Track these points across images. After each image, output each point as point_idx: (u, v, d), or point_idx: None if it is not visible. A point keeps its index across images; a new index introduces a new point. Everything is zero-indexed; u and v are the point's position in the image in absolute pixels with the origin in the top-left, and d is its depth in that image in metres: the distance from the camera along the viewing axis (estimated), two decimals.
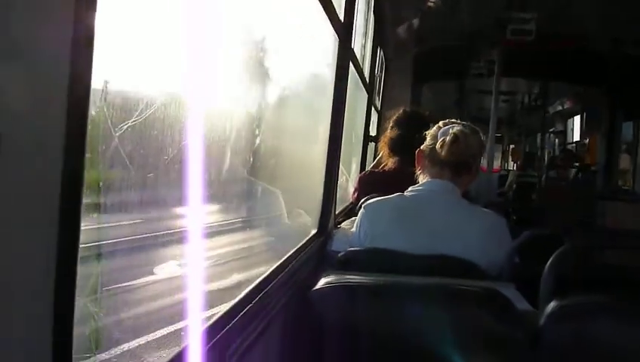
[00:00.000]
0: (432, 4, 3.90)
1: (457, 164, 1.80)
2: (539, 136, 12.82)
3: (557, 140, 11.68)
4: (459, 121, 1.91)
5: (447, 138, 1.77)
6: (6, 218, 0.42)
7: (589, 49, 4.63)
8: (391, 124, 2.91)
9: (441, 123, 1.88)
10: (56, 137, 0.47)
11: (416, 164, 1.90)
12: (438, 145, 1.79)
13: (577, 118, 8.77)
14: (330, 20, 1.85)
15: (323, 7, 1.73)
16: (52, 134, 0.47)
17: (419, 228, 1.76)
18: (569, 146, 9.32)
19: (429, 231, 1.75)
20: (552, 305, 1.28)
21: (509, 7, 3.47)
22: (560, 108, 9.24)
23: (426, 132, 1.90)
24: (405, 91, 5.25)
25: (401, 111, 2.97)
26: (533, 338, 1.28)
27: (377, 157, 3.16)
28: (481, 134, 1.90)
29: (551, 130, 11.14)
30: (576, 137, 9.14)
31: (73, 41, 0.47)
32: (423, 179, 1.86)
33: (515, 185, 7.43)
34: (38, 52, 0.44)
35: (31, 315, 0.47)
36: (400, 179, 2.67)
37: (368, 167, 3.48)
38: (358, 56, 3.03)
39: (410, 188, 1.87)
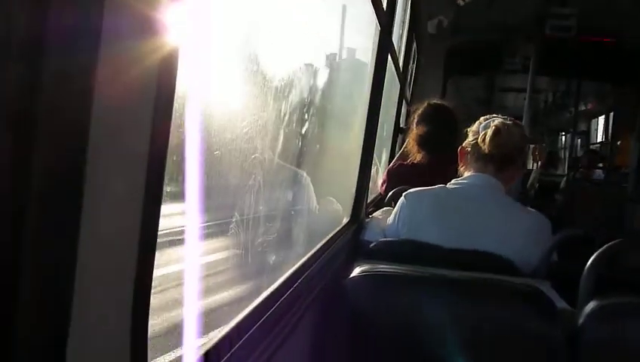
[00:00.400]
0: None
1: (501, 158, 1.78)
2: (561, 135, 12.69)
3: (579, 140, 11.57)
4: (499, 116, 1.88)
5: (489, 131, 1.75)
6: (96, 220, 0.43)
7: (628, 47, 4.53)
8: (417, 118, 2.90)
9: (482, 118, 1.86)
10: (144, 144, 0.48)
11: (459, 161, 1.88)
12: (480, 139, 1.77)
13: (602, 119, 8.60)
14: (375, 8, 1.83)
15: None
16: (140, 142, 0.48)
17: (457, 221, 1.75)
18: (592, 147, 9.18)
19: (468, 226, 1.74)
20: (591, 304, 1.27)
21: (549, 2, 3.40)
22: (584, 107, 9.10)
23: (467, 129, 1.88)
24: (436, 84, 5.21)
25: (427, 104, 2.95)
26: (571, 337, 1.27)
27: (402, 149, 3.14)
28: (523, 127, 1.87)
29: (574, 129, 11.03)
30: (600, 138, 9.00)
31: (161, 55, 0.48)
32: (467, 173, 1.85)
33: (537, 185, 7.30)
34: (128, 58, 0.45)
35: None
36: (429, 172, 2.67)
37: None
38: (395, 46, 3.00)
39: (452, 181, 1.86)
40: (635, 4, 3.72)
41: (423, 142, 2.83)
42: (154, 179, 0.50)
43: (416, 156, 2.87)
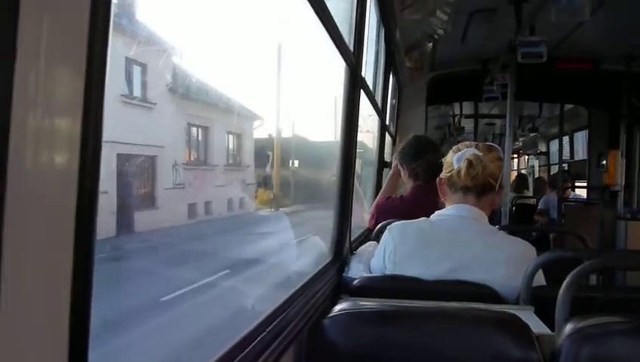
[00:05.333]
0: (442, 30, 3.95)
1: (478, 187, 1.80)
2: (520, 157, 12.92)
3: (537, 161, 11.84)
4: (471, 142, 1.91)
5: (462, 164, 1.77)
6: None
7: (602, 70, 4.63)
8: (401, 152, 2.95)
9: (454, 148, 1.88)
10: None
11: (439, 192, 1.90)
12: (455, 173, 1.80)
13: (565, 139, 8.70)
14: (339, 49, 1.88)
15: (331, 36, 1.76)
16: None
17: (442, 253, 1.76)
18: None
19: (452, 257, 1.74)
20: (568, 327, 1.27)
21: (519, 31, 3.49)
22: (543, 129, 9.33)
23: (442, 159, 1.90)
24: (420, 115, 5.29)
25: (411, 137, 3.01)
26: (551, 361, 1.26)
27: (388, 182, 3.17)
28: (498, 150, 1.88)
29: (537, 151, 11.28)
30: (564, 157, 9.11)
31: None
32: (448, 204, 1.86)
33: (514, 208, 7.29)
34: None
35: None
36: (417, 204, 2.69)
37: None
38: (370, 83, 3.06)
39: (435, 213, 1.86)
40: (603, 28, 3.82)
41: (412, 176, 2.88)
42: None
43: (405, 190, 2.91)
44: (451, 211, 1.84)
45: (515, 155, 12.63)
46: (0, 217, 0.40)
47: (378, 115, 3.59)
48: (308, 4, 1.48)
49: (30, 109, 0.44)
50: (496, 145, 1.90)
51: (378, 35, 3.38)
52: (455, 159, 1.83)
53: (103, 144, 0.52)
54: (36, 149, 0.45)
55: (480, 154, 1.81)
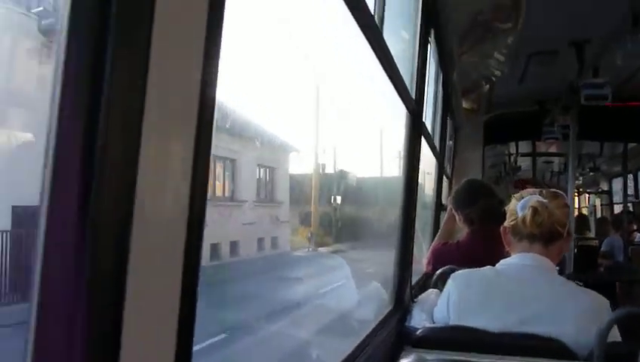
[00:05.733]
0: (499, 72, 3.92)
1: (545, 235, 1.74)
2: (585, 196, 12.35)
3: (598, 200, 11.28)
4: (534, 189, 1.86)
5: (527, 212, 1.72)
6: None
7: None
8: (456, 197, 2.91)
9: (516, 195, 1.84)
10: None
11: (504, 241, 1.85)
12: (519, 221, 1.74)
13: (629, 177, 8.32)
14: (401, 96, 1.89)
15: (393, 83, 1.78)
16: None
17: (508, 304, 1.70)
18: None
19: (519, 308, 1.67)
20: None
21: (581, 72, 3.42)
22: (605, 167, 8.94)
23: (505, 207, 1.86)
24: (476, 156, 5.22)
25: (464, 182, 2.96)
26: None
27: (444, 227, 3.12)
28: (564, 197, 1.82)
29: (598, 189, 10.79)
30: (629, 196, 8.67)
31: None
32: (513, 253, 1.81)
33: (575, 250, 6.95)
34: None
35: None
36: (474, 250, 2.63)
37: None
38: (428, 126, 3.05)
39: (501, 262, 1.81)
40: None
41: (466, 221, 2.82)
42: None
43: (462, 235, 2.85)
44: (517, 260, 1.78)
45: (575, 193, 12.19)
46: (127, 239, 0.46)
47: (436, 157, 3.56)
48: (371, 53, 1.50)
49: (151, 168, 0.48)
50: (561, 192, 1.84)
51: (436, 79, 3.38)
52: (519, 207, 1.78)
53: None
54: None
55: (545, 200, 1.75)
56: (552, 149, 7.42)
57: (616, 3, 2.82)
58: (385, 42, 1.47)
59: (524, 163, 8.74)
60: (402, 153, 2.21)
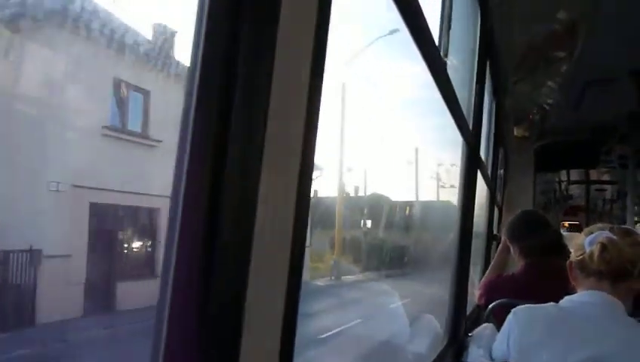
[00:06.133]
0: (552, 100, 3.85)
1: (613, 273, 1.67)
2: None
3: None
4: (604, 225, 1.79)
5: (595, 247, 1.66)
6: None
7: None
8: (513, 227, 2.82)
9: (586, 230, 1.78)
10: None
11: (570, 276, 1.78)
12: (587, 256, 1.68)
13: None
14: (460, 128, 1.88)
15: (454, 117, 1.77)
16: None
17: (574, 344, 1.63)
18: None
19: (586, 349, 1.61)
20: None
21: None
22: None
23: (575, 242, 1.80)
24: (527, 184, 5.11)
25: (520, 212, 2.87)
26: None
27: (497, 258, 3.04)
28: (637, 234, 1.75)
29: None
30: None
31: None
32: (580, 290, 1.74)
33: None
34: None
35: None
36: (530, 284, 2.55)
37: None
38: (482, 154, 3.02)
39: (565, 299, 1.74)
40: None
41: (523, 254, 2.74)
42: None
43: (516, 268, 2.77)
44: (584, 298, 1.71)
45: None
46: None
47: (487, 186, 3.50)
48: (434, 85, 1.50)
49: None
50: (633, 229, 1.77)
51: (490, 107, 3.35)
52: (587, 242, 1.72)
53: None
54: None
55: (615, 237, 1.69)
56: (606, 177, 7.20)
57: None
58: (449, 77, 1.46)
59: (575, 191, 8.50)
60: (458, 184, 2.19)
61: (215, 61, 0.50)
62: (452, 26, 1.62)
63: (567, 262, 1.76)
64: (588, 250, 1.67)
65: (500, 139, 3.81)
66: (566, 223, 8.60)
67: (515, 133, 4.51)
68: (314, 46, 0.61)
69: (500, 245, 3.00)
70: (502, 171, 4.67)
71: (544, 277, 2.33)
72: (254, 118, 0.52)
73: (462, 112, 1.82)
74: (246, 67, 0.50)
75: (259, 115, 0.52)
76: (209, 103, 0.49)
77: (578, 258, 1.71)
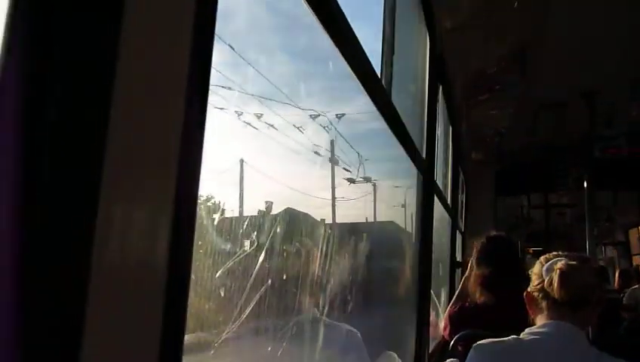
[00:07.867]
0: (508, 124, 3.87)
1: (573, 300, 1.61)
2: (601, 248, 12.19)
3: (616, 251, 11.13)
4: (559, 253, 1.75)
5: (554, 275, 1.61)
6: None
7: None
8: (476, 255, 2.75)
9: (542, 258, 1.72)
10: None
11: (527, 307, 1.72)
12: (546, 284, 1.62)
13: None
14: (411, 157, 1.81)
15: (404, 146, 1.70)
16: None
17: None
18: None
19: None
20: None
21: (594, 123, 3.35)
22: (620, 218, 8.84)
23: (530, 271, 1.74)
24: (487, 209, 5.13)
25: (486, 239, 2.80)
26: None
27: (461, 288, 2.96)
28: (593, 260, 1.71)
29: (614, 241, 10.68)
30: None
31: None
32: (539, 321, 1.67)
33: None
34: None
35: None
36: (493, 313, 2.47)
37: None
38: (439, 182, 2.97)
39: (527, 331, 1.68)
40: None
41: (485, 283, 2.66)
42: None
43: (480, 297, 2.69)
44: (546, 329, 1.64)
45: None
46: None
47: (448, 213, 3.46)
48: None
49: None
50: (590, 256, 1.73)
51: (446, 132, 3.32)
52: (545, 270, 1.67)
53: None
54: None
55: (574, 263, 1.64)
56: (565, 201, 7.31)
57: (626, 53, 2.78)
58: (394, 106, 1.39)
59: (536, 216, 8.61)
60: (414, 214, 2.12)
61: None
62: (396, 52, 1.57)
63: (525, 292, 1.70)
64: (547, 277, 1.62)
65: (458, 164, 3.79)
66: (530, 250, 8.68)
67: (474, 156, 4.52)
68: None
69: (467, 272, 2.93)
70: (463, 196, 4.66)
71: (508, 306, 2.26)
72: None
73: (412, 141, 1.76)
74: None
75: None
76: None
77: (536, 287, 1.65)
